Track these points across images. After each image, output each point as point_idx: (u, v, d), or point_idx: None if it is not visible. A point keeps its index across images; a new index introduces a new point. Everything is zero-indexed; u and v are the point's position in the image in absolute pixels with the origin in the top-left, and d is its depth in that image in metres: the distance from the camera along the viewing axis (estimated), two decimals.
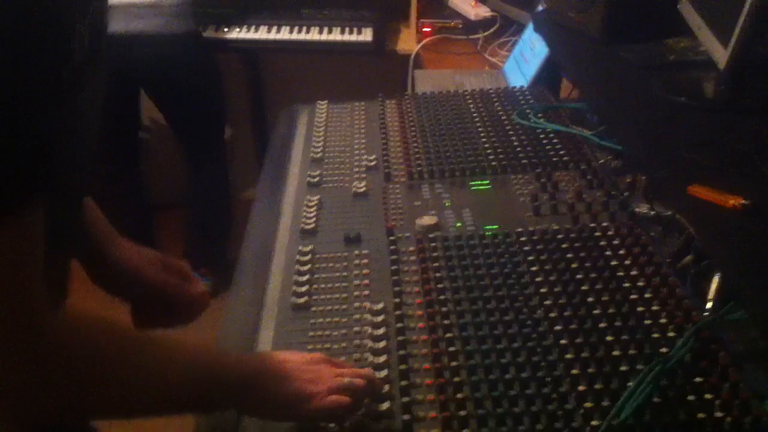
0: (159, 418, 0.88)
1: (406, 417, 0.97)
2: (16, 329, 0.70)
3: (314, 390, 0.94)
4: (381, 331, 1.13)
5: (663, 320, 1.10)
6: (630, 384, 0.97)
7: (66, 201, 0.82)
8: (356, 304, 1.20)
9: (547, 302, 1.15)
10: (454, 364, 1.06)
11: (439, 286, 1.21)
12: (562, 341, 1.07)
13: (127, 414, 0.87)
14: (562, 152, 1.61)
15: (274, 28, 2.84)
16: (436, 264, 1.27)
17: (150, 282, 1.18)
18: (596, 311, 1.12)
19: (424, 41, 2.77)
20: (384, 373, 1.06)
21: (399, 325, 1.14)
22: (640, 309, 1.12)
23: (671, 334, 1.07)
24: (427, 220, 1.40)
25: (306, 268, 1.29)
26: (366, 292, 1.23)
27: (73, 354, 0.75)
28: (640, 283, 1.17)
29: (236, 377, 0.92)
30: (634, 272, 1.20)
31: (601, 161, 1.59)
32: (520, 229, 1.34)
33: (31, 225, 0.68)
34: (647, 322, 1.09)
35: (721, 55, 1.51)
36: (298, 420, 0.97)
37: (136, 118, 2.96)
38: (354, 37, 2.81)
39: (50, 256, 0.73)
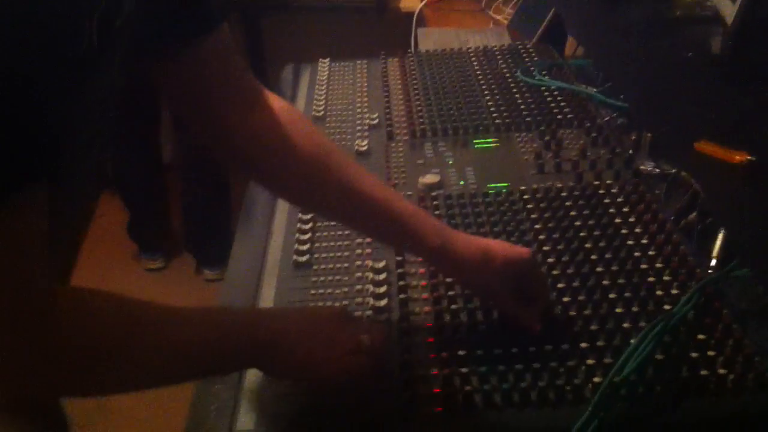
0: (174, 385, 0.87)
1: (407, 374, 0.97)
2: (19, 306, 0.69)
3: (332, 351, 0.93)
4: (383, 289, 1.13)
5: (666, 277, 1.09)
6: (632, 341, 0.97)
7: (71, 186, 0.81)
8: (358, 263, 1.20)
9: (550, 260, 1.14)
10: (456, 321, 1.05)
11: None
12: (565, 298, 1.07)
13: (138, 386, 0.85)
14: (566, 110, 1.59)
15: None
16: None
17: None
18: (599, 269, 1.11)
19: None
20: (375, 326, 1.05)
21: (401, 283, 1.13)
22: (643, 266, 1.11)
23: (675, 291, 1.06)
24: (430, 178, 1.39)
25: (308, 226, 1.29)
26: (368, 251, 1.22)
27: (79, 330, 0.74)
28: (644, 241, 1.17)
29: (254, 337, 0.90)
30: (638, 230, 1.19)
31: (606, 119, 1.57)
32: (523, 187, 1.33)
33: (35, 206, 0.68)
34: (651, 279, 1.09)
35: (729, 10, 1.48)
36: (316, 380, 0.95)
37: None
38: None
39: (55, 238, 0.73)
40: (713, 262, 1.13)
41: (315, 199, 1.08)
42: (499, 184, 1.36)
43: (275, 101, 1.04)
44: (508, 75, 1.78)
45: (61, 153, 0.70)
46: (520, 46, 1.94)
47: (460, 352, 1.00)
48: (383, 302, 1.10)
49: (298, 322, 0.96)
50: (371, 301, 1.11)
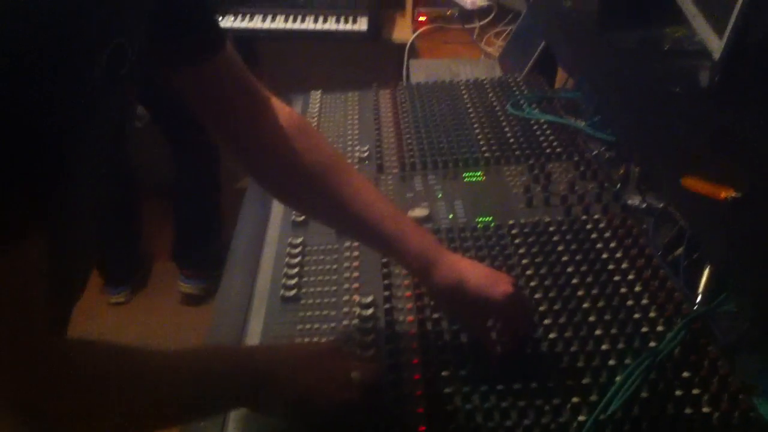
0: (170, 427, 0.87)
1: (394, 410, 0.97)
2: (15, 351, 0.69)
3: (324, 387, 0.94)
4: (370, 324, 1.13)
5: (653, 314, 1.09)
6: (618, 378, 0.97)
7: (72, 227, 0.81)
8: (345, 297, 1.20)
9: (537, 295, 1.15)
10: (442, 357, 1.05)
11: None
12: (551, 335, 1.07)
13: (139, 429, 0.84)
14: (555, 143, 1.60)
15: (269, 17, 2.83)
16: None
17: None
18: (586, 304, 1.11)
19: (420, 30, 2.75)
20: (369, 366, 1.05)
21: (388, 318, 1.13)
22: (630, 303, 1.11)
23: (661, 327, 1.06)
24: (419, 211, 1.40)
25: (296, 260, 1.29)
26: (356, 285, 1.22)
27: (75, 376, 0.74)
28: (631, 276, 1.17)
29: (248, 376, 0.91)
30: (625, 265, 1.19)
31: (594, 152, 1.58)
32: (512, 221, 1.34)
33: (35, 251, 0.67)
34: (637, 315, 1.09)
35: (715, 45, 1.50)
36: (310, 416, 0.95)
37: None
38: (349, 26, 2.80)
39: (55, 280, 0.72)
40: (699, 298, 1.13)
41: (311, 207, 1.15)
42: (487, 218, 1.37)
43: (283, 111, 1.08)
44: (497, 108, 1.79)
45: (64, 192, 0.70)
46: (510, 79, 1.96)
47: (447, 390, 1.00)
48: (370, 337, 1.10)
49: (293, 356, 0.97)
50: (358, 336, 1.11)
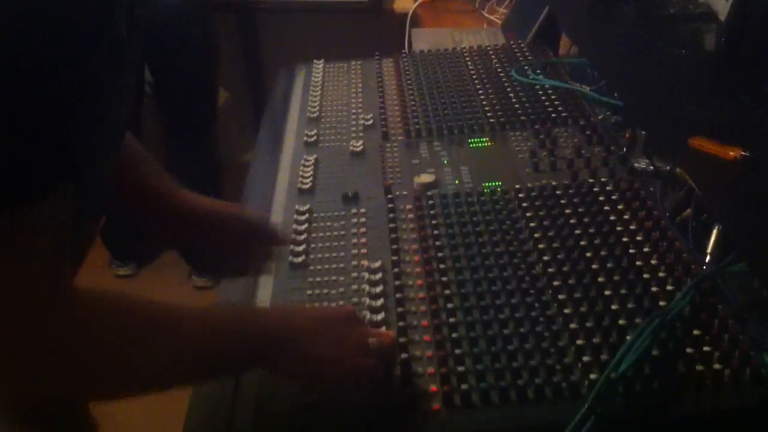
0: (178, 388, 0.87)
1: (405, 372, 0.97)
2: (41, 312, 0.69)
3: (341, 351, 0.93)
4: (379, 289, 1.13)
5: (662, 274, 1.09)
6: (629, 337, 0.97)
7: (93, 179, 0.81)
8: (354, 263, 1.20)
9: (546, 258, 1.14)
10: (452, 320, 1.05)
11: (437, 243, 1.20)
12: (560, 296, 1.07)
13: (147, 388, 0.84)
14: (560, 108, 1.59)
15: None
16: (434, 222, 1.26)
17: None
18: (594, 266, 1.11)
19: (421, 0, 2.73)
20: (382, 331, 1.05)
21: (397, 282, 1.13)
22: (638, 263, 1.11)
23: (670, 287, 1.06)
24: (425, 178, 1.39)
25: (303, 227, 1.29)
26: (364, 251, 1.22)
27: (93, 330, 0.74)
28: (639, 238, 1.17)
29: (264, 333, 0.90)
30: (632, 227, 1.19)
31: (600, 117, 1.57)
32: (518, 186, 1.33)
33: (60, 208, 0.68)
34: (646, 276, 1.09)
35: (722, 6, 1.49)
36: (322, 380, 0.95)
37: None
38: None
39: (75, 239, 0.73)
40: (708, 258, 1.13)
41: None
42: (494, 183, 1.36)
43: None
44: (502, 74, 1.78)
45: (88, 152, 0.69)
46: (513, 46, 1.95)
47: (457, 351, 1.00)
48: (380, 302, 1.10)
49: (308, 319, 0.96)
50: (368, 301, 1.11)
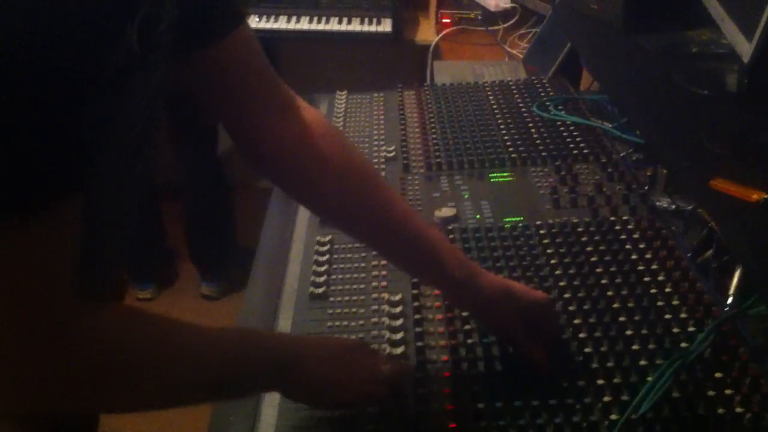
0: (193, 406, 0.87)
1: (422, 408, 0.97)
2: (41, 325, 0.69)
3: (352, 377, 0.94)
4: (399, 322, 1.13)
5: (683, 315, 1.09)
6: (649, 378, 0.96)
7: (107, 198, 0.82)
8: (374, 295, 1.20)
9: (567, 295, 1.15)
10: (471, 355, 1.05)
11: None
12: (581, 335, 1.07)
13: (162, 406, 0.85)
14: (582, 144, 1.60)
15: (293, 18, 2.84)
16: None
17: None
18: (616, 305, 1.11)
19: (444, 32, 2.76)
20: (397, 362, 1.06)
21: (417, 316, 1.14)
22: (659, 303, 1.11)
23: (691, 328, 1.06)
24: (446, 211, 1.40)
25: (324, 258, 1.29)
26: (384, 283, 1.23)
27: (103, 351, 0.74)
28: (660, 278, 1.17)
29: (276, 358, 0.90)
30: (654, 266, 1.19)
31: (622, 154, 1.58)
32: (539, 222, 1.34)
33: (62, 220, 0.67)
34: (667, 316, 1.09)
35: (745, 48, 1.49)
36: (334, 407, 0.96)
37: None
38: (373, 28, 2.80)
39: (90, 252, 0.72)
40: (730, 300, 1.13)
41: (340, 214, 1.07)
42: (514, 218, 1.37)
43: (310, 112, 1.03)
44: (523, 109, 1.79)
45: (99, 163, 0.69)
46: (535, 81, 1.96)
47: (476, 387, 1.00)
48: (399, 335, 1.11)
49: (321, 347, 0.97)
50: (387, 334, 1.11)
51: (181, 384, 0.82)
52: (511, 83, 1.95)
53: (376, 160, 1.62)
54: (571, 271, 1.20)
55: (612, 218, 1.33)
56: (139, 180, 0.90)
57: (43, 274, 0.68)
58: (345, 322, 1.16)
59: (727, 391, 0.96)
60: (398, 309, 1.16)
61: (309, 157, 1.00)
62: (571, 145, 1.60)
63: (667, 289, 1.14)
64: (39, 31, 0.60)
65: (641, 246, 1.24)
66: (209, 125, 2.80)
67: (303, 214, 1.45)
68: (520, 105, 1.81)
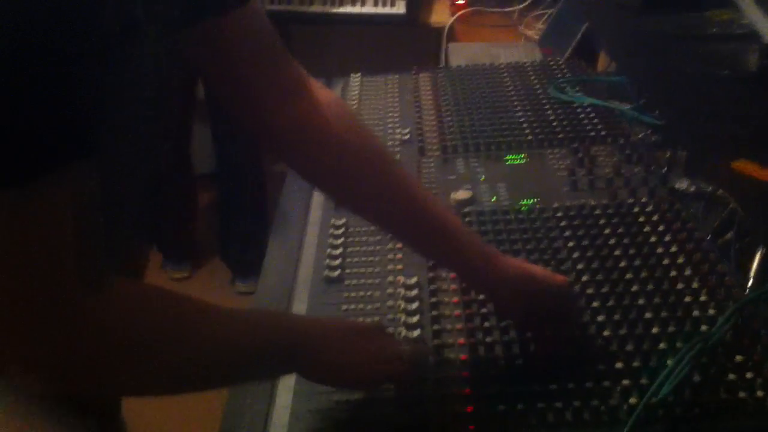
0: (208, 390, 0.86)
1: (439, 392, 0.96)
2: (48, 303, 0.67)
3: (368, 357, 0.93)
4: (414, 305, 1.12)
5: (703, 297, 1.07)
6: (669, 362, 0.95)
7: (110, 172, 0.80)
8: (389, 278, 1.19)
9: (585, 278, 1.13)
10: (488, 339, 1.04)
11: None
12: (599, 318, 1.05)
13: (175, 388, 0.83)
14: (599, 126, 1.58)
15: (308, 0, 2.82)
16: None
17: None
18: (634, 288, 1.10)
19: (458, 13, 2.73)
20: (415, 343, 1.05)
21: (433, 299, 1.13)
22: (680, 286, 1.10)
23: (712, 311, 1.05)
24: (462, 194, 1.39)
25: (339, 241, 1.29)
26: (399, 266, 1.22)
27: (115, 330, 0.72)
28: (680, 260, 1.15)
29: (294, 339, 0.89)
30: (673, 249, 1.17)
31: (640, 136, 1.56)
32: (556, 205, 1.32)
33: (62, 194, 0.66)
34: (687, 299, 1.07)
35: (766, 27, 1.47)
36: (353, 386, 0.96)
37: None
38: (387, 9, 2.78)
39: (96, 230, 0.71)
40: (751, 282, 1.11)
41: (355, 197, 1.05)
42: (531, 201, 1.35)
43: (323, 93, 1.01)
44: (539, 91, 1.77)
45: (103, 133, 0.67)
46: (551, 62, 1.94)
47: (493, 371, 0.99)
48: (415, 318, 1.10)
49: (338, 328, 0.96)
50: (403, 317, 1.10)
51: (196, 364, 0.80)
52: (526, 65, 1.93)
53: (390, 143, 1.61)
54: (590, 254, 1.18)
55: (630, 201, 1.31)
56: (150, 156, 0.89)
57: (46, 248, 0.66)
58: (360, 306, 1.15)
59: (748, 375, 0.95)
60: (414, 292, 1.15)
61: (322, 138, 0.98)
62: (588, 127, 1.58)
63: (687, 272, 1.12)
64: None
65: (660, 228, 1.22)
66: None
67: (318, 198, 1.44)
68: (536, 87, 1.79)
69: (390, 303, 1.14)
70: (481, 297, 1.11)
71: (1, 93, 0.60)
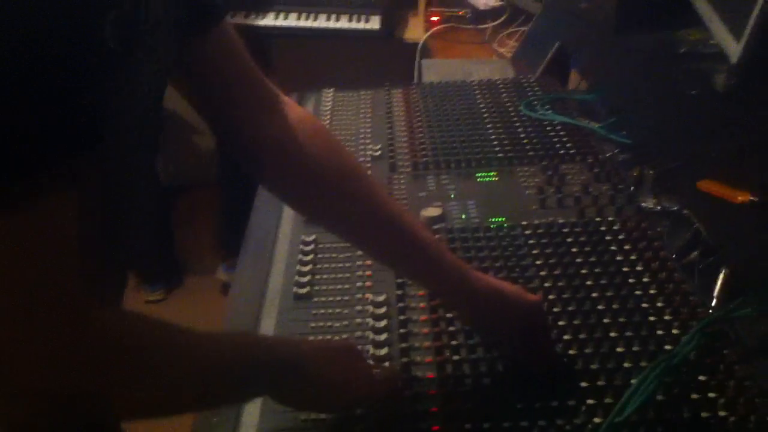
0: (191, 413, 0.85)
1: (407, 410, 0.96)
2: (49, 318, 0.66)
3: (350, 377, 0.93)
4: (383, 323, 1.12)
5: (668, 317, 1.08)
6: (633, 381, 0.96)
7: (106, 187, 0.80)
8: (358, 296, 1.19)
9: (551, 296, 1.14)
10: (456, 357, 1.05)
11: None
12: (565, 336, 1.06)
13: (163, 412, 0.82)
14: (568, 144, 1.59)
15: (282, 15, 2.82)
16: None
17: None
18: (600, 306, 1.11)
19: (432, 30, 2.74)
20: (385, 365, 1.05)
21: (401, 317, 1.13)
22: (644, 305, 1.11)
23: (676, 331, 1.06)
24: (432, 211, 1.39)
25: (309, 258, 1.29)
26: (368, 284, 1.22)
27: (111, 347, 0.72)
28: (646, 279, 1.16)
29: (272, 362, 0.89)
30: (639, 267, 1.19)
31: (609, 154, 1.57)
32: (525, 222, 1.33)
33: (60, 205, 0.65)
34: (652, 318, 1.08)
35: (733, 48, 1.49)
36: (329, 410, 0.96)
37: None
38: (362, 25, 2.79)
39: (97, 244, 0.71)
40: (715, 302, 1.13)
41: (325, 213, 1.05)
42: (500, 219, 1.36)
43: (295, 110, 1.02)
44: (511, 108, 1.78)
45: (100, 133, 0.67)
46: (523, 80, 1.95)
47: (460, 389, 0.99)
48: (383, 336, 1.10)
49: (315, 348, 0.96)
50: (371, 335, 1.10)
51: (180, 385, 0.80)
52: (498, 82, 1.94)
53: (362, 159, 1.61)
54: (557, 272, 1.19)
55: (598, 219, 1.33)
56: (143, 176, 0.89)
57: (48, 257, 0.65)
58: (329, 323, 1.15)
59: (711, 394, 0.96)
60: (382, 310, 1.15)
61: (292, 154, 0.99)
62: (558, 145, 1.59)
63: (652, 291, 1.13)
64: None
65: (627, 247, 1.24)
66: None
67: (288, 213, 1.44)
68: (508, 104, 1.80)
69: (358, 320, 1.14)
70: (450, 315, 1.11)
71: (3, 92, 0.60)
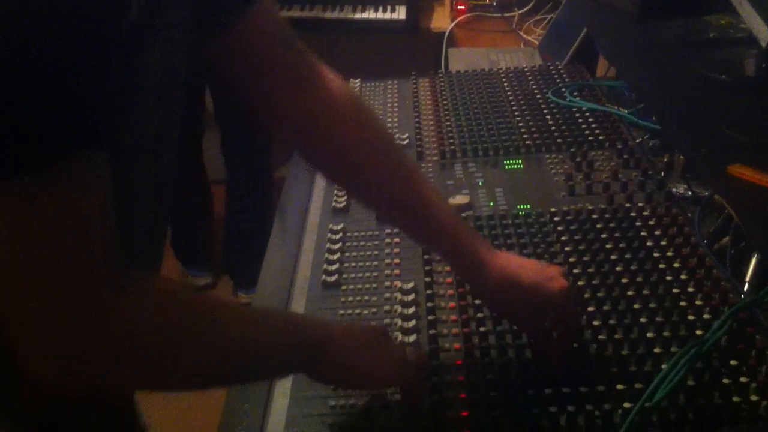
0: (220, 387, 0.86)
1: (435, 396, 0.97)
2: (75, 298, 0.67)
3: (380, 359, 0.95)
4: (411, 310, 1.13)
5: (699, 302, 1.08)
6: (664, 366, 0.95)
7: (134, 162, 0.80)
8: (387, 283, 1.20)
9: (581, 283, 1.13)
10: (484, 344, 1.05)
11: None
12: (595, 323, 1.06)
13: (200, 382, 0.85)
14: (597, 131, 1.58)
15: (307, 6, 2.83)
16: None
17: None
18: (630, 292, 1.10)
19: (458, 19, 2.73)
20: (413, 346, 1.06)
21: (429, 304, 1.13)
22: (675, 290, 1.10)
23: (707, 316, 1.05)
24: (460, 199, 1.39)
25: (337, 246, 1.29)
26: (397, 271, 1.22)
27: (143, 326, 0.72)
28: (676, 265, 1.15)
29: (308, 339, 0.91)
30: (669, 253, 1.18)
31: (638, 140, 1.56)
32: (553, 209, 1.33)
33: (86, 181, 0.66)
34: (683, 303, 1.07)
35: (763, 32, 1.47)
36: (363, 388, 0.98)
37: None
38: (387, 15, 2.79)
39: (122, 221, 0.71)
40: (746, 287, 1.12)
41: (358, 185, 1.07)
42: (528, 206, 1.36)
43: (335, 82, 1.03)
44: (538, 96, 1.77)
45: (113, 121, 0.68)
46: (551, 67, 1.94)
47: (489, 376, 0.99)
48: (412, 323, 1.10)
49: (347, 330, 0.97)
50: (399, 322, 1.11)
51: (221, 361, 0.82)
52: (526, 70, 1.93)
53: None
54: (586, 259, 1.19)
55: (627, 205, 1.32)
56: (162, 165, 0.90)
57: (73, 239, 0.66)
58: (357, 311, 1.15)
59: (743, 379, 0.95)
60: (411, 297, 1.15)
61: (335, 123, 1.01)
62: (587, 132, 1.58)
63: (683, 277, 1.12)
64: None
65: (657, 233, 1.23)
66: (265, 142, 2.78)
67: (316, 203, 1.45)
68: (536, 92, 1.80)
69: (387, 308, 1.15)
70: (478, 301, 1.11)
71: (17, 84, 0.61)
